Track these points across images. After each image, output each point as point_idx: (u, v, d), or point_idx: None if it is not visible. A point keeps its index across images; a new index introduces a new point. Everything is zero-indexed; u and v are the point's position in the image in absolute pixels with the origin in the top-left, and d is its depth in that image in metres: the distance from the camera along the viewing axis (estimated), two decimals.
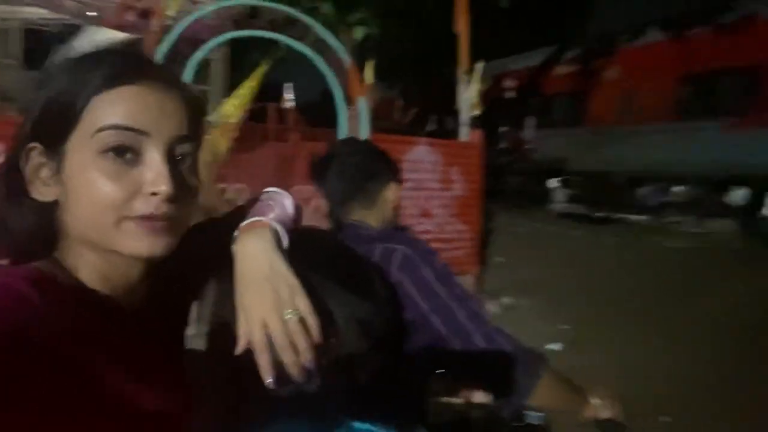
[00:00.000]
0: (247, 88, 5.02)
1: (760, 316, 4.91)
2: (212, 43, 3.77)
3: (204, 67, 5.08)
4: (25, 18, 6.71)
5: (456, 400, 1.02)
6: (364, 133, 4.32)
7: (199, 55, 3.54)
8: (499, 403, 1.04)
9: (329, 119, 6.40)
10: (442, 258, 1.17)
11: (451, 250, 5.28)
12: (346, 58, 4.47)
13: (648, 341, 4.20)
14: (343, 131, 4.36)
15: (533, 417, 1.09)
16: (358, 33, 9.88)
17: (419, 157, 5.02)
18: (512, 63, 14.06)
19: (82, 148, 0.56)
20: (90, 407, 0.50)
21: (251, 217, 0.67)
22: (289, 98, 8.34)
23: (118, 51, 0.62)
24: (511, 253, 7.22)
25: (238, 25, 4.54)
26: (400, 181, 1.26)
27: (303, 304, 0.59)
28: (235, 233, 0.65)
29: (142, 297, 0.64)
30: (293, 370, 0.58)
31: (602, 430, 1.12)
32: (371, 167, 1.22)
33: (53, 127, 0.57)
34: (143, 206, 0.56)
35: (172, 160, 0.58)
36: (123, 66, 0.58)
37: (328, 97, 5.07)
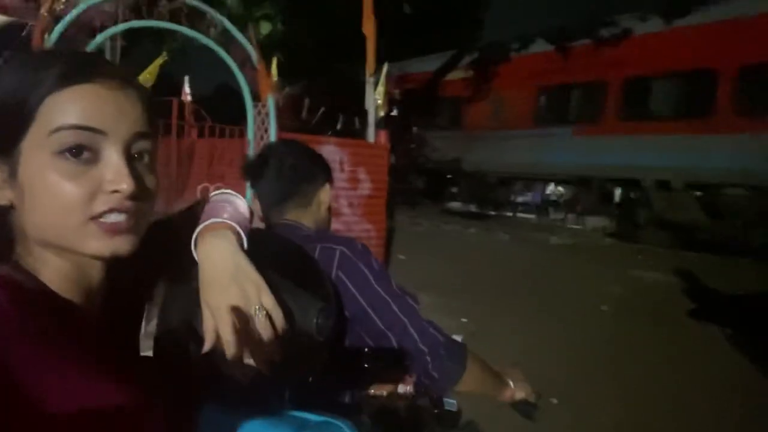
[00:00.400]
0: (143, 79, 4.75)
1: (637, 305, 5.54)
2: (111, 30, 3.53)
3: None
4: None
5: (381, 392, 1.08)
6: (272, 130, 4.26)
7: (94, 42, 3.30)
8: (422, 391, 1.11)
9: (228, 114, 6.21)
10: None
11: None
12: (254, 54, 4.37)
13: (540, 330, 4.55)
14: (252, 128, 4.27)
15: (450, 403, 1.18)
16: (264, 28, 9.64)
17: (327, 156, 5.02)
18: (409, 66, 14.47)
19: (38, 149, 0.54)
20: (52, 409, 0.50)
21: (207, 218, 0.68)
22: (186, 92, 7.99)
23: (70, 50, 0.61)
24: (412, 251, 7.47)
25: (136, 13, 4.27)
26: (332, 182, 1.29)
27: (269, 301, 0.62)
28: (195, 234, 0.66)
29: (103, 298, 0.63)
30: (259, 364, 0.61)
31: (517, 410, 1.23)
32: (308, 168, 1.25)
33: (5, 129, 0.55)
34: (104, 204, 0.55)
35: (130, 157, 0.58)
36: (77, 64, 0.57)
37: (224, 91, 4.93)
